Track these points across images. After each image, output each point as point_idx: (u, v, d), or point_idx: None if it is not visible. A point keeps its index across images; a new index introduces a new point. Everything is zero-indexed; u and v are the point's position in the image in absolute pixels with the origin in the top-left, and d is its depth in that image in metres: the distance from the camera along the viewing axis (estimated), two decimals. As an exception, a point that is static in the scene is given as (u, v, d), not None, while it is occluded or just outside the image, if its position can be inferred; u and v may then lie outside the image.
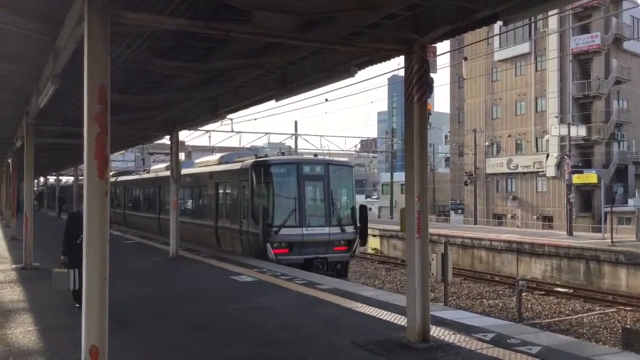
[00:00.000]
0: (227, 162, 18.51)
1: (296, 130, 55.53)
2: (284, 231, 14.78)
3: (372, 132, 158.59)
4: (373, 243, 30.13)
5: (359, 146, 66.42)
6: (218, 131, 47.49)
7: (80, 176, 41.16)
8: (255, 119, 77.49)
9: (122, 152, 36.81)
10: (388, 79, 66.53)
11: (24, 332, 7.46)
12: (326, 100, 32.09)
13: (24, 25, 7.39)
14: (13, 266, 13.88)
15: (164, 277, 12.73)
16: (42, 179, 58.41)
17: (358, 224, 15.64)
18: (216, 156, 20.85)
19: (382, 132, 75.70)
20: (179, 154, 17.75)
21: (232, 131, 43.12)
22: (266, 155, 19.28)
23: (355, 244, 15.62)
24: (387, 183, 60.09)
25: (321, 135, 50.10)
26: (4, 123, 17.19)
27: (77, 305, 8.19)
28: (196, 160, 23.12)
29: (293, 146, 57.97)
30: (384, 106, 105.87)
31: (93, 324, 4.89)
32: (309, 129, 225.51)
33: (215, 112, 13.61)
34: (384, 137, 62.61)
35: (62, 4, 6.33)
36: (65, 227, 8.60)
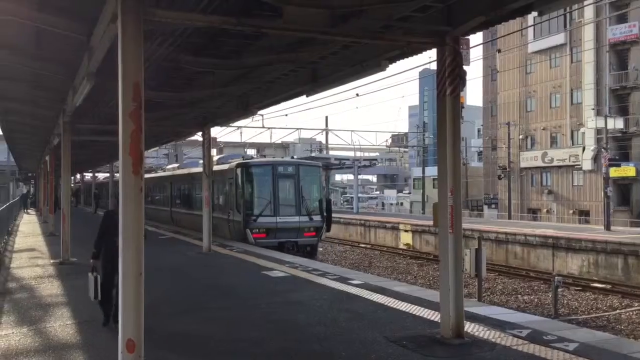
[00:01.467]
0: (222, 163, 21.73)
1: (327, 125, 55.51)
2: (261, 219, 18.51)
3: (403, 127, 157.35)
4: (405, 238, 29.99)
5: (390, 141, 66.07)
6: (249, 127, 47.80)
7: (116, 173, 41.97)
8: (286, 115, 77.66)
9: (155, 148, 37.34)
10: (419, 72, 66.00)
11: (62, 325, 7.64)
12: (357, 95, 32.35)
13: (64, 26, 7.53)
14: (51, 261, 14.23)
15: (198, 272, 12.89)
16: (78, 176, 59.64)
17: (325, 214, 19.36)
18: (214, 158, 23.80)
19: (413, 126, 75.10)
20: (211, 149, 17.92)
21: (263, 127, 43.33)
22: (251, 158, 23.92)
23: (322, 230, 19.35)
24: (418, 178, 59.68)
25: (352, 131, 49.88)
26: (42, 121, 17.59)
27: (104, 322, 7.41)
28: (200, 162, 26.24)
29: (324, 141, 58.06)
30: (415, 100, 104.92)
31: (129, 317, 4.96)
32: (339, 124, 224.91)
33: (247, 108, 13.68)
34: (415, 131, 62.16)
35: (96, 2, 6.43)
36: (99, 226, 7.78)
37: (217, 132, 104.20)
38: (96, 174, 52.18)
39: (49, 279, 11.66)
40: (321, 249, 23.91)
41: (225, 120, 16.85)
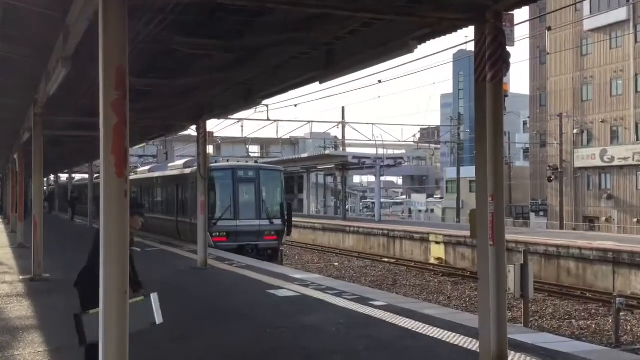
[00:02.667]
0: (189, 167, 24.60)
1: (343, 117, 55.65)
2: (221, 223, 21.61)
3: (434, 119, 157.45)
4: (436, 251, 29.90)
5: (418, 136, 65.90)
6: (252, 120, 47.96)
7: (96, 174, 42.24)
8: (296, 106, 77.76)
9: (142, 145, 37.59)
10: (453, 54, 65.76)
11: (33, 353, 7.70)
12: (379, 81, 32.31)
13: (35, 1, 7.59)
14: (21, 277, 14.34)
15: (191, 290, 12.93)
16: (52, 177, 60.18)
17: (286, 218, 22.59)
18: (182, 162, 28.51)
19: (446, 118, 74.95)
20: (207, 146, 18.00)
21: (268, 119, 43.39)
22: (215, 162, 28.32)
23: (283, 234, 22.54)
24: (452, 180, 59.55)
25: (373, 124, 49.92)
26: (9, 113, 17.70)
27: None
28: (169, 165, 31.25)
29: (340, 136, 58.19)
30: (448, 88, 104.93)
31: (111, 344, 5.00)
32: (358, 116, 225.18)
33: (249, 97, 13.73)
34: (448, 124, 61.99)
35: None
36: (93, 243, 6.43)
37: (214, 125, 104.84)
38: (73, 175, 52.57)
39: (18, 298, 11.76)
40: (286, 251, 26.23)
41: (223, 111, 16.94)
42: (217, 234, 21.60)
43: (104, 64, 5.10)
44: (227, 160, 34.66)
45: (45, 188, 51.93)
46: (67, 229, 33.31)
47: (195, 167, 22.43)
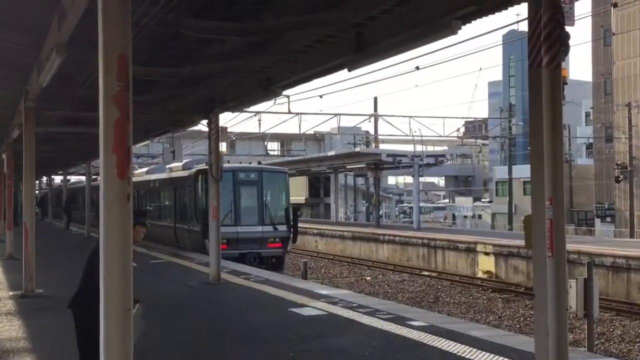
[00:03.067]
0: (188, 169, 26.37)
1: (376, 109, 55.58)
2: (221, 229, 21.02)
3: (480, 111, 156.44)
4: (485, 264, 29.74)
5: (462, 130, 65.60)
6: (271, 113, 47.97)
7: (94, 175, 42.70)
8: (321, 97, 77.26)
9: (145, 143, 37.90)
10: (503, 36, 65.38)
11: (25, 379, 7.80)
12: (417, 68, 32.11)
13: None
14: (10, 293, 14.52)
15: (203, 309, 13.02)
16: (45, 180, 60.91)
17: (291, 224, 23.52)
18: (180, 163, 29.84)
19: (494, 109, 74.53)
20: (220, 143, 18.02)
21: (289, 112, 43.44)
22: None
23: (289, 241, 23.44)
24: (503, 180, 59.14)
25: (410, 116, 49.44)
26: (-3, 108, 17.97)
27: None
28: (167, 166, 32.17)
29: (372, 131, 58.14)
30: (497, 74, 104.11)
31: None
32: (393, 108, 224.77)
33: (268, 87, 13.77)
34: (497, 116, 61.60)
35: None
36: (86, 262, 6.43)
37: (227, 120, 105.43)
38: (68, 177, 53.12)
39: (8, 317, 11.91)
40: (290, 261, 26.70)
41: (238, 103, 16.98)
42: None
43: (104, 51, 5.14)
44: (248, 163, 35.86)
45: (37, 192, 52.65)
46: (61, 238, 33.70)
47: (194, 169, 25.11)
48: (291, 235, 23.51)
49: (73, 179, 58.99)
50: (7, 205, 23.83)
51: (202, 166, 25.25)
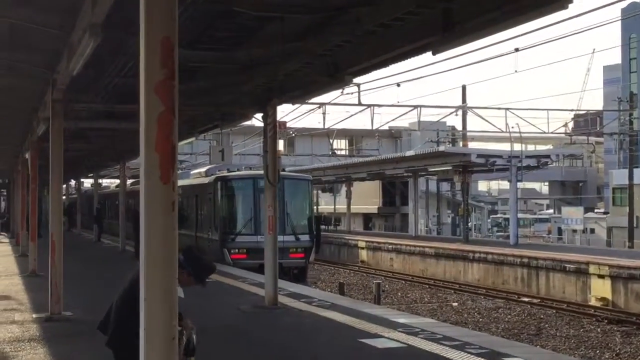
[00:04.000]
0: (210, 175, 30.03)
1: (464, 100, 55.14)
2: (240, 238, 26.26)
3: (594, 102, 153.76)
4: (599, 289, 29.20)
5: (571, 125, 64.73)
6: (337, 104, 48.13)
7: (132, 178, 43.42)
8: (399, 85, 76.96)
9: (189, 140, 38.40)
10: (622, 9, 64.21)
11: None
12: (516, 50, 31.65)
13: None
14: (34, 316, 14.77)
15: (258, 338, 13.09)
16: (73, 184, 62.10)
17: (314, 233, 27.11)
18: (203, 169, 33.66)
19: (611, 100, 73.10)
20: (278, 140, 18.10)
21: (360, 104, 43.44)
22: (236, 170, 32.15)
23: (311, 251, 26.82)
24: (622, 186, 57.98)
25: (507, 109, 48.85)
26: (20, 98, 18.30)
27: None
28: (191, 172, 36.99)
29: (459, 126, 57.75)
30: (614, 57, 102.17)
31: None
32: (486, 99, 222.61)
33: (335, 73, 13.79)
34: (614, 108, 60.51)
35: None
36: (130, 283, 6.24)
37: (284, 113, 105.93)
38: (100, 181, 54.00)
39: (31, 343, 12.10)
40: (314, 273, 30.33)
41: (300, 94, 17.03)
42: (236, 250, 26.30)
43: (146, 33, 5.19)
44: (288, 169, 39.53)
45: (64, 198, 53.70)
46: (92, 252, 34.33)
47: (214, 176, 29.09)
48: (314, 246, 26.82)
49: (105, 182, 59.94)
50: (30, 213, 24.09)
51: (224, 173, 29.53)
